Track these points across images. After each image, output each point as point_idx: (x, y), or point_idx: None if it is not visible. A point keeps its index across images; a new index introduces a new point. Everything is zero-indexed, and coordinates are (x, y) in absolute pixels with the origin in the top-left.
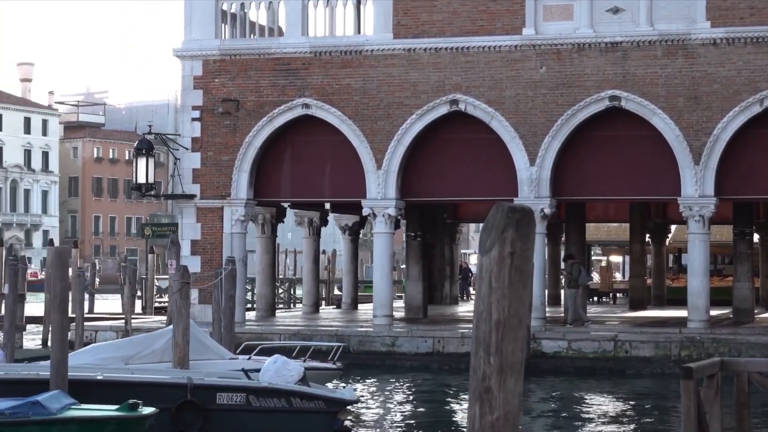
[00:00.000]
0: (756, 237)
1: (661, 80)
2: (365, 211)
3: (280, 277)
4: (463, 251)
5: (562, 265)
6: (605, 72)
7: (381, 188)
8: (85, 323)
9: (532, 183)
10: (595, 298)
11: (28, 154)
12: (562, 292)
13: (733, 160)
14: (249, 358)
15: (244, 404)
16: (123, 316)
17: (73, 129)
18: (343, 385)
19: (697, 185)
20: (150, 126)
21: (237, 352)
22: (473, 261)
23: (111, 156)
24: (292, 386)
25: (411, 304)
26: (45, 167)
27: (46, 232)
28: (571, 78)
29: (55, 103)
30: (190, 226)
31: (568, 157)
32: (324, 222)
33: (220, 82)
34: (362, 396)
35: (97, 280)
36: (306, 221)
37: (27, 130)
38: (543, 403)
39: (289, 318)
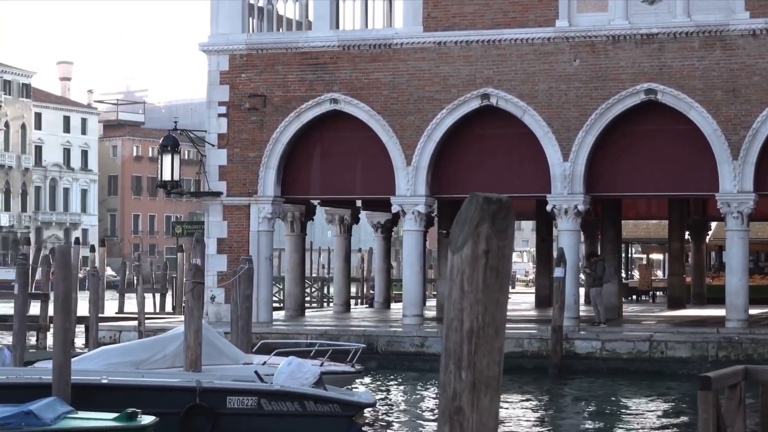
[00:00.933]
0: None
1: (698, 73)
2: (394, 209)
3: (313, 275)
4: None
5: (584, 263)
6: (641, 65)
7: (410, 185)
8: (110, 323)
9: (566, 179)
10: (634, 297)
11: (67, 152)
12: (592, 291)
13: None
14: (264, 363)
15: (255, 408)
16: (154, 315)
17: (112, 128)
18: (368, 385)
19: (735, 181)
20: (176, 122)
21: (254, 350)
22: (513, 259)
23: (150, 154)
24: (305, 389)
25: (443, 303)
26: (84, 166)
27: (85, 231)
28: (606, 71)
29: (95, 101)
30: (217, 224)
31: (603, 152)
32: (355, 220)
33: (247, 77)
34: (386, 398)
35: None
36: (337, 219)
37: (66, 128)
38: (575, 405)
39: (318, 318)
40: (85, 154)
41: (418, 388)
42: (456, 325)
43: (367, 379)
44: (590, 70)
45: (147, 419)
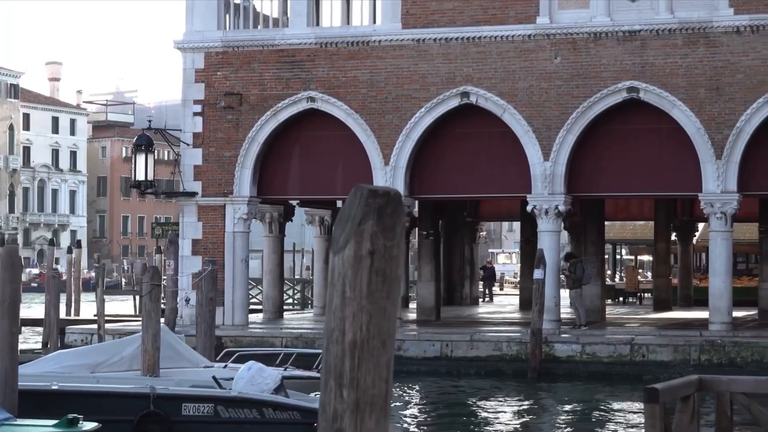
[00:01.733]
0: None
1: (681, 70)
2: None
3: (296, 277)
4: (491, 251)
5: (564, 265)
6: (623, 62)
7: (389, 185)
8: (82, 326)
9: (546, 179)
10: (621, 299)
11: (55, 153)
12: (572, 293)
13: (757, 154)
14: (225, 367)
15: (211, 415)
16: (132, 318)
17: (101, 128)
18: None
19: (719, 180)
20: (150, 121)
21: (218, 358)
22: (501, 260)
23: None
24: (264, 396)
25: (423, 305)
26: (73, 167)
27: (73, 233)
28: (587, 69)
29: (84, 102)
30: (191, 225)
31: (584, 151)
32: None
33: (223, 75)
34: None
35: (124, 280)
36: (317, 220)
37: (55, 129)
38: (554, 410)
39: (295, 321)
40: (73, 154)
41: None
42: (337, 337)
43: None
44: (571, 68)
45: (89, 425)
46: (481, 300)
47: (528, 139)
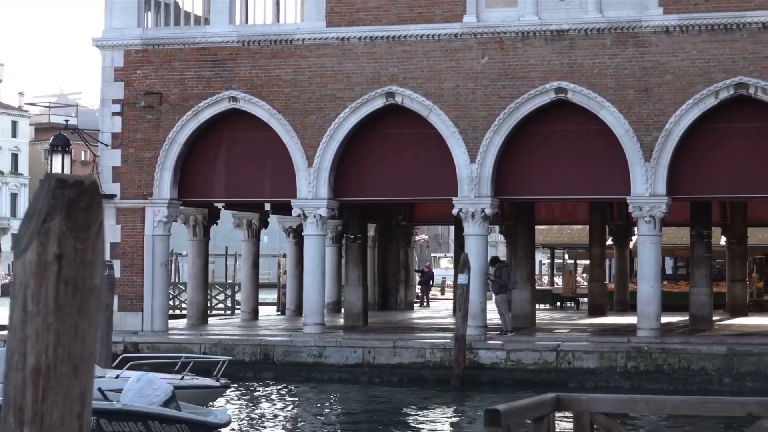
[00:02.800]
0: (723, 239)
1: (610, 71)
2: (295, 212)
3: (229, 282)
4: (434, 254)
5: (490, 270)
6: (551, 62)
7: (312, 187)
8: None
9: (473, 181)
10: (559, 304)
11: None
12: (497, 298)
13: (686, 156)
14: (117, 377)
15: (94, 429)
16: None
17: (44, 130)
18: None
19: (647, 184)
20: (67, 121)
21: (114, 364)
22: (444, 264)
23: (82, 158)
24: (151, 408)
25: (350, 311)
26: (14, 169)
27: (15, 236)
28: (515, 69)
29: (26, 104)
30: (110, 228)
31: (512, 153)
32: (264, 224)
33: (143, 74)
34: (259, 413)
35: None
36: (245, 223)
37: None
38: (476, 419)
39: (219, 326)
40: (15, 157)
41: (299, 400)
42: (17, 362)
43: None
44: (498, 68)
45: None
46: (417, 305)
47: (454, 141)
